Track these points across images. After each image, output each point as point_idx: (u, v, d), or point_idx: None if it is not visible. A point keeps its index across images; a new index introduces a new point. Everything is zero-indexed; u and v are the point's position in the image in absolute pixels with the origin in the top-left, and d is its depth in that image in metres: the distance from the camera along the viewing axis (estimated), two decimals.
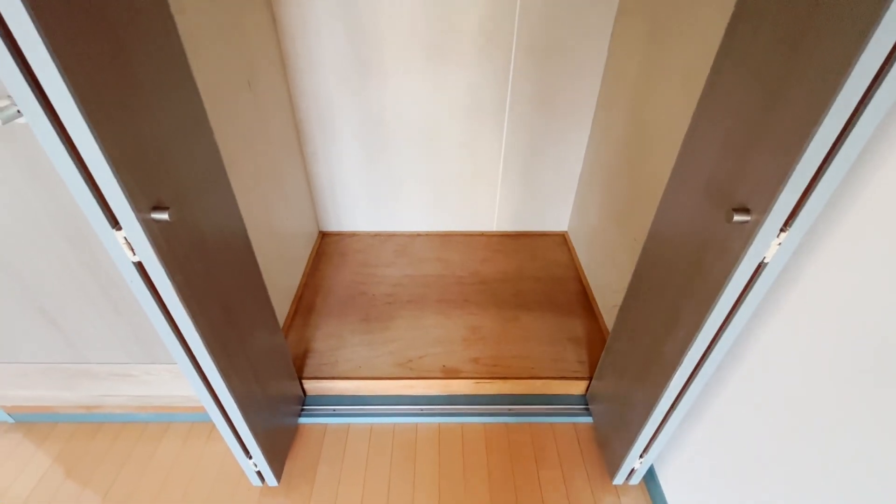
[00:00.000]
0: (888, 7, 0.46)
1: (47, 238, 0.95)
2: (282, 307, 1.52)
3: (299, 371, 1.39)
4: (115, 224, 0.65)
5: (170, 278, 0.71)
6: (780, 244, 0.66)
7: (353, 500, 1.18)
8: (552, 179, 1.83)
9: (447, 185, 1.84)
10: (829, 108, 0.53)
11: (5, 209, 0.90)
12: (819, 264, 0.69)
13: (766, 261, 0.68)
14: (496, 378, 1.38)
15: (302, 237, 1.77)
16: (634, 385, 1.06)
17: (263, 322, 1.07)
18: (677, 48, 1.08)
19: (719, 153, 0.72)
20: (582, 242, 1.81)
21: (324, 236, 1.99)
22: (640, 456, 1.11)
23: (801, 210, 0.62)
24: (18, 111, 0.71)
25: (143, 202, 0.65)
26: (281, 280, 1.52)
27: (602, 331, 1.54)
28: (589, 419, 1.36)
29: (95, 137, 0.56)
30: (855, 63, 0.49)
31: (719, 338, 0.80)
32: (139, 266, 0.70)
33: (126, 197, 0.62)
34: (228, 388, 0.91)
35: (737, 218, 0.65)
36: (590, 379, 1.39)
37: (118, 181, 0.60)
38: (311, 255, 1.85)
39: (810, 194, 0.60)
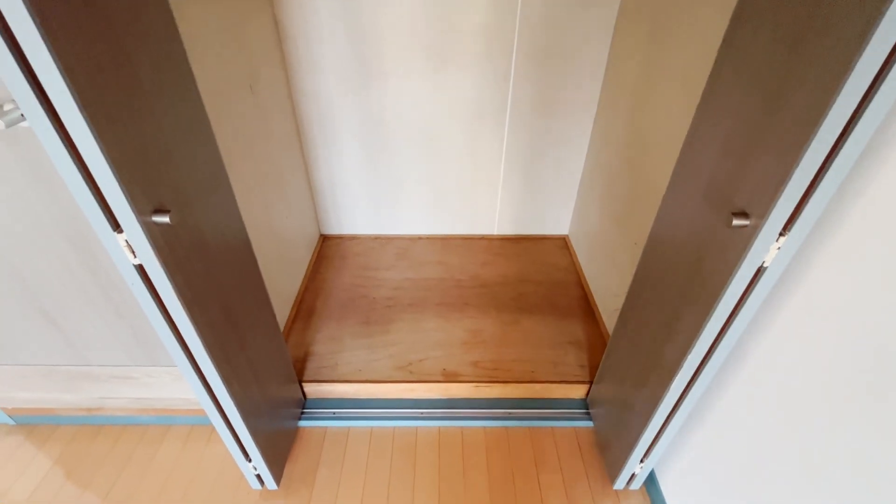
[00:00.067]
0: (886, 11, 0.46)
1: (49, 240, 0.95)
2: (282, 310, 1.52)
3: (299, 374, 1.39)
4: (116, 227, 0.66)
5: (170, 281, 0.71)
6: (779, 248, 0.66)
7: None
8: (553, 183, 1.84)
9: (448, 188, 1.84)
10: (828, 112, 0.53)
11: (8, 211, 0.91)
12: (819, 268, 0.69)
13: (765, 265, 0.68)
14: (496, 382, 1.38)
15: (303, 240, 1.78)
16: (635, 389, 1.05)
17: (264, 325, 1.07)
18: (677, 51, 1.08)
19: (719, 157, 0.72)
20: (583, 246, 1.81)
21: (324, 239, 1.99)
22: (641, 461, 1.11)
23: (799, 214, 0.62)
24: (22, 115, 0.71)
25: (145, 205, 0.65)
26: (282, 283, 1.53)
27: (603, 335, 1.53)
28: (590, 423, 1.35)
29: (97, 141, 0.57)
30: (854, 66, 0.49)
31: (719, 342, 0.80)
32: (140, 269, 0.70)
33: (127, 200, 0.62)
34: (228, 391, 0.91)
35: (736, 222, 0.65)
36: (590, 383, 1.38)
37: (119, 184, 0.61)
38: (311, 258, 1.86)
39: (809, 199, 0.60)
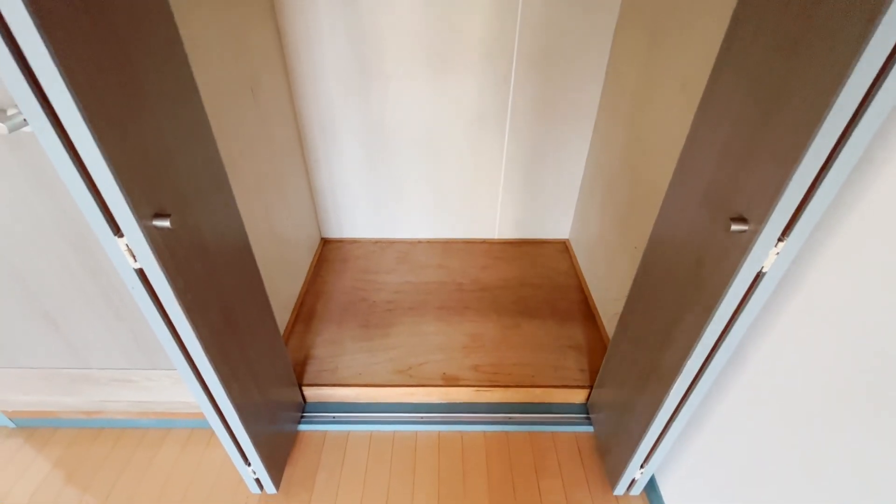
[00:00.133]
0: (882, 18, 0.46)
1: (50, 242, 0.96)
2: (283, 313, 1.52)
3: (299, 378, 1.39)
4: (116, 231, 0.66)
5: (170, 285, 0.72)
6: (777, 254, 0.66)
7: None
8: (553, 187, 1.84)
9: (449, 192, 1.85)
10: (826, 118, 0.53)
11: (11, 215, 0.92)
12: (818, 272, 0.69)
13: (764, 270, 0.68)
14: (496, 386, 1.38)
15: (304, 243, 1.78)
16: (635, 394, 1.05)
17: (264, 329, 1.08)
18: (677, 56, 1.09)
19: (717, 162, 0.72)
20: (583, 250, 1.81)
21: (325, 243, 1.99)
22: (641, 466, 1.10)
23: (798, 220, 0.62)
24: (25, 120, 0.72)
25: (145, 209, 0.65)
26: (282, 286, 1.53)
27: (603, 339, 1.53)
28: (590, 428, 1.35)
29: (98, 146, 0.57)
30: (851, 72, 0.50)
31: (719, 347, 0.80)
32: (140, 273, 0.71)
33: (128, 204, 0.62)
34: (228, 395, 0.91)
35: (734, 227, 0.65)
36: (591, 387, 1.38)
37: (120, 189, 0.61)
38: (312, 261, 1.86)
39: (808, 204, 0.60)
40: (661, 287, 0.92)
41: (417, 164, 1.76)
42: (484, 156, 1.74)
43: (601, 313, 1.59)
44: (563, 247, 1.98)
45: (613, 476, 1.18)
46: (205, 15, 1.01)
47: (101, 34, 0.56)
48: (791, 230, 0.63)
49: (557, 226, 1.98)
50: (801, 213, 0.61)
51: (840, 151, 0.56)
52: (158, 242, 0.68)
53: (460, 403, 1.41)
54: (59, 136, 0.57)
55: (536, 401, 1.40)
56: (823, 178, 0.58)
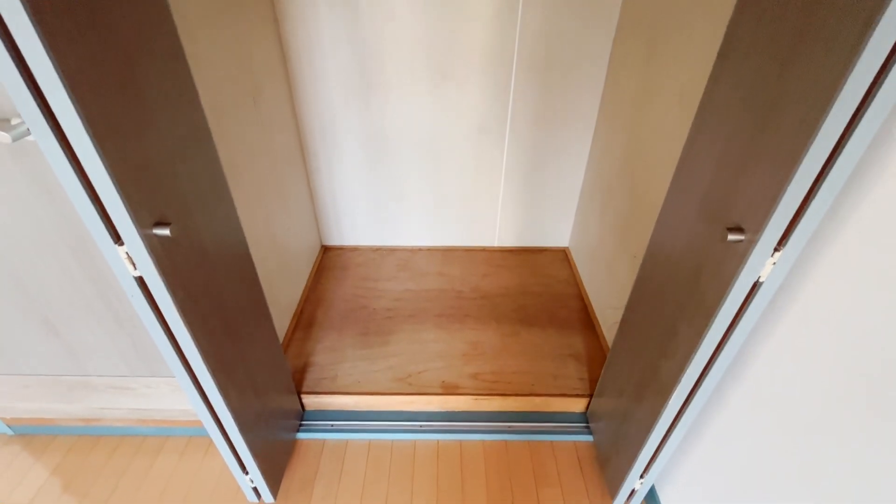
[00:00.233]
0: (875, 29, 0.47)
1: (52, 249, 0.97)
2: (282, 321, 1.53)
3: (298, 385, 1.39)
4: (117, 239, 0.67)
5: (170, 293, 0.72)
6: (774, 264, 0.66)
7: None
8: (553, 195, 1.85)
9: (449, 200, 1.85)
10: (820, 129, 0.53)
11: (14, 222, 0.92)
12: (816, 282, 0.69)
13: (761, 280, 0.68)
14: (496, 394, 1.38)
15: (304, 251, 1.79)
16: (634, 404, 1.05)
17: (263, 336, 1.08)
18: (674, 67, 1.10)
19: (714, 172, 0.72)
20: (583, 258, 1.81)
21: (326, 250, 2.00)
22: (641, 476, 1.10)
23: (794, 230, 0.62)
24: (28, 129, 0.73)
25: (146, 218, 0.66)
26: (282, 294, 1.53)
27: (603, 347, 1.53)
28: (589, 438, 1.34)
29: (100, 156, 0.58)
30: (845, 83, 0.50)
31: (717, 357, 0.80)
32: (140, 281, 0.71)
33: (128, 213, 0.63)
34: (226, 403, 0.91)
35: (731, 237, 0.66)
36: (590, 396, 1.37)
37: (121, 198, 0.62)
38: (312, 268, 1.87)
39: (803, 214, 0.61)
40: (659, 296, 0.92)
41: (418, 172, 1.77)
42: (484, 164, 1.75)
43: (601, 322, 1.59)
44: (563, 255, 1.98)
45: (613, 486, 1.17)
46: (209, 27, 1.02)
47: (105, 47, 0.57)
48: (787, 240, 0.63)
49: (557, 234, 1.98)
50: (798, 223, 0.62)
51: (835, 161, 0.56)
52: (158, 251, 0.69)
53: (459, 412, 1.40)
54: (62, 146, 0.58)
55: (536, 409, 1.40)
56: (819, 188, 0.58)
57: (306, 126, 1.66)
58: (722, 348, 0.78)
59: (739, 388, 0.86)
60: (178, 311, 0.75)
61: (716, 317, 0.73)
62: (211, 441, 1.34)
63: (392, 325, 1.61)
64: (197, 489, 1.23)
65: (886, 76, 0.50)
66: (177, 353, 0.82)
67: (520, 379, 1.42)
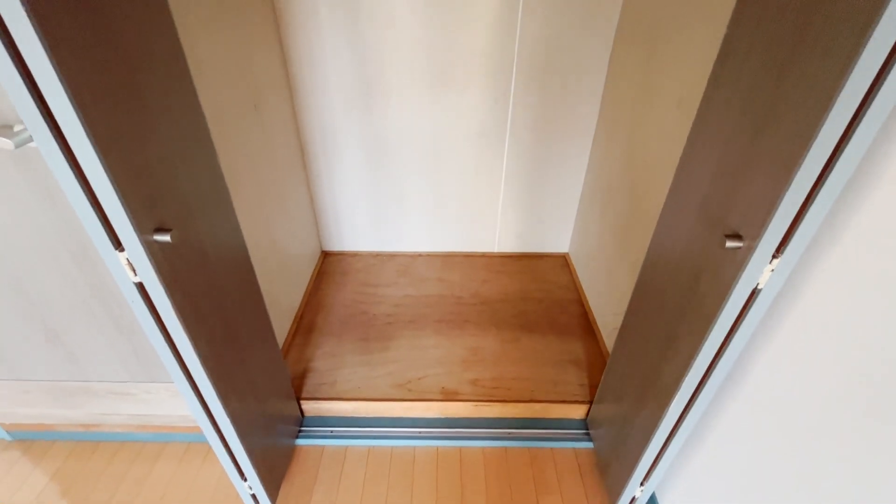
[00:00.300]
0: (870, 37, 0.47)
1: (54, 256, 0.97)
2: (282, 326, 1.53)
3: (298, 391, 1.39)
4: (118, 245, 0.67)
5: (170, 299, 0.72)
6: (773, 270, 0.66)
7: None
8: (553, 201, 1.85)
9: (449, 206, 1.86)
10: (817, 135, 0.54)
11: (16, 228, 0.93)
12: (815, 287, 0.69)
13: (759, 287, 0.68)
14: (495, 401, 1.37)
15: (304, 256, 1.79)
16: (634, 410, 1.04)
17: (263, 342, 1.08)
18: (672, 74, 1.10)
19: (712, 179, 0.73)
20: (583, 264, 1.82)
21: (326, 255, 2.00)
22: (641, 483, 1.09)
23: (792, 237, 0.62)
24: (31, 136, 0.73)
25: (146, 224, 0.66)
26: (282, 299, 1.53)
27: (603, 353, 1.52)
28: (590, 444, 1.34)
29: (101, 163, 0.58)
30: (841, 89, 0.50)
31: (716, 364, 0.79)
32: (140, 286, 0.71)
33: (129, 219, 0.63)
34: (225, 409, 0.91)
35: (729, 244, 0.66)
36: (590, 403, 1.37)
37: (122, 204, 0.62)
38: (313, 274, 1.87)
39: (801, 221, 0.61)
40: (658, 303, 0.92)
41: (418, 178, 1.78)
42: (484, 170, 1.76)
43: (601, 327, 1.59)
44: (563, 260, 1.98)
45: (613, 493, 1.16)
46: (211, 34, 1.03)
47: (107, 54, 0.58)
48: (786, 247, 0.64)
49: (557, 240, 1.98)
50: (795, 230, 0.62)
51: (833, 168, 0.56)
52: (159, 257, 0.69)
53: (459, 418, 1.40)
54: (63, 152, 0.58)
55: (536, 416, 1.39)
56: (816, 195, 0.58)
57: (307, 131, 1.67)
58: (722, 354, 0.78)
59: (739, 394, 0.86)
60: (178, 316, 0.75)
61: (715, 323, 0.73)
62: (210, 447, 1.34)
63: (392, 330, 1.61)
64: (195, 496, 1.22)
65: (884, 81, 0.50)
66: (176, 359, 0.82)
67: (520, 385, 1.42)
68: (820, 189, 0.58)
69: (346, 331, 1.61)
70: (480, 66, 1.51)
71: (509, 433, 1.35)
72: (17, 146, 0.75)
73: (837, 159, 0.55)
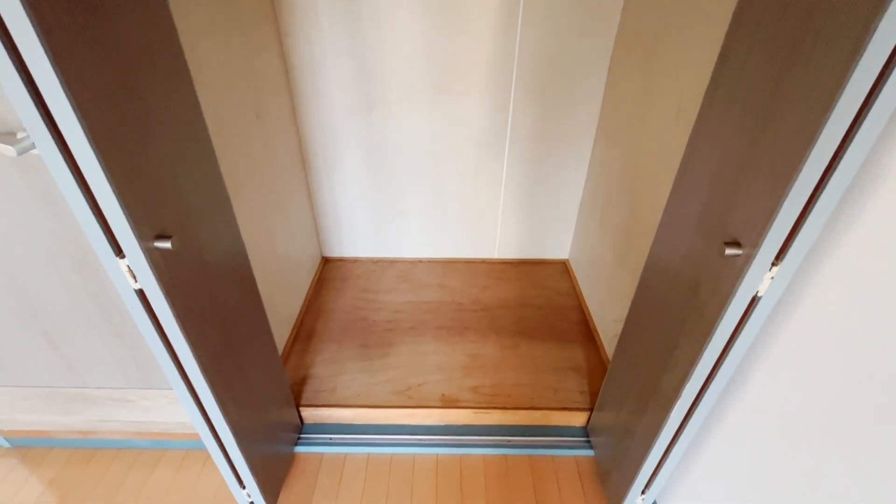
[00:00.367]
0: (866, 47, 0.48)
1: (55, 263, 0.97)
2: (282, 333, 1.52)
3: (297, 398, 1.38)
4: (118, 252, 0.67)
5: (170, 306, 0.72)
6: (772, 278, 0.66)
7: None
8: (553, 207, 1.85)
9: (449, 212, 1.86)
10: (815, 144, 0.54)
11: (17, 234, 0.93)
12: (815, 295, 0.69)
13: (759, 295, 0.68)
14: (496, 408, 1.37)
15: (305, 263, 1.79)
16: (635, 418, 1.04)
17: (262, 349, 1.07)
18: (671, 83, 1.11)
19: (711, 186, 0.73)
20: (583, 271, 1.82)
21: (326, 262, 2.00)
22: (642, 492, 1.08)
23: (791, 245, 0.63)
24: (34, 143, 0.74)
25: (147, 231, 0.67)
26: (282, 305, 1.53)
27: (603, 360, 1.52)
28: (590, 452, 1.33)
29: (103, 170, 0.59)
30: (839, 96, 0.50)
31: (717, 371, 0.79)
32: (140, 293, 0.71)
33: (130, 226, 0.63)
34: (224, 416, 0.91)
35: (728, 252, 0.66)
36: (591, 410, 1.36)
37: (123, 211, 0.62)
38: (313, 280, 1.87)
39: (800, 229, 0.61)
40: (658, 310, 0.92)
41: (418, 185, 1.78)
42: (484, 177, 1.76)
43: (601, 334, 1.59)
44: (563, 267, 1.98)
45: (614, 502, 1.16)
46: (213, 42, 1.04)
47: (110, 61, 0.58)
48: (785, 254, 0.64)
49: (557, 246, 1.98)
50: (794, 238, 0.62)
51: (830, 176, 0.57)
52: (159, 263, 0.69)
53: (459, 426, 1.39)
54: (65, 159, 0.58)
55: (536, 423, 1.39)
56: (815, 202, 0.59)
57: (308, 139, 1.68)
58: (722, 362, 0.78)
59: (740, 402, 0.86)
60: (178, 323, 0.75)
61: (715, 331, 0.73)
62: (208, 455, 1.33)
63: (392, 337, 1.61)
64: (193, 503, 1.21)
65: (881, 91, 0.50)
66: (175, 366, 0.82)
67: (520, 392, 1.41)
68: (819, 197, 0.58)
69: (346, 337, 1.60)
70: (480, 74, 1.52)
71: (509, 441, 1.35)
72: (20, 153, 0.75)
73: (836, 167, 0.56)
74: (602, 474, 1.25)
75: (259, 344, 1.06)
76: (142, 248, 0.66)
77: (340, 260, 2.01)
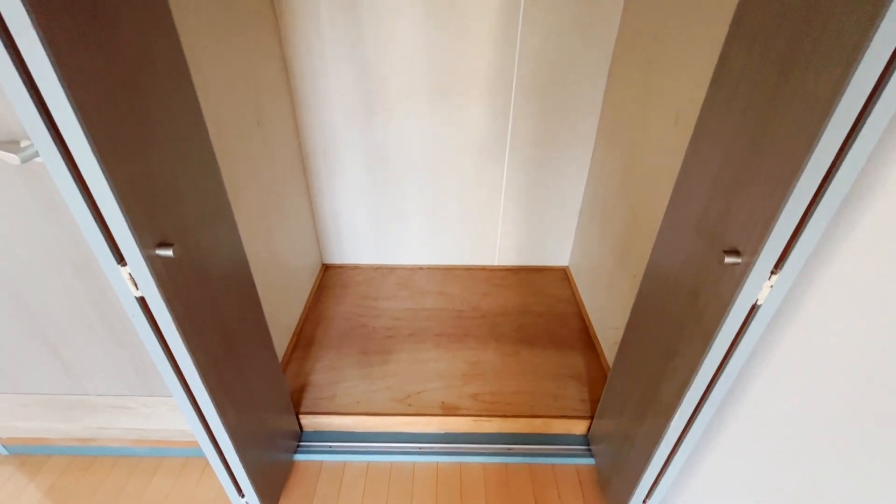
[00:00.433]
0: (864, 53, 0.48)
1: (57, 270, 0.97)
2: (282, 339, 1.52)
3: (297, 405, 1.38)
4: (120, 260, 0.67)
5: (171, 313, 0.72)
6: (772, 287, 0.66)
7: None
8: (553, 214, 1.86)
9: (449, 219, 1.87)
10: (813, 152, 0.54)
11: (20, 242, 0.93)
12: (815, 302, 0.69)
13: (759, 303, 0.68)
14: (496, 416, 1.36)
15: (305, 269, 1.79)
16: (635, 426, 1.04)
17: (262, 356, 1.07)
18: (670, 91, 1.12)
19: (709, 195, 0.73)
20: (583, 277, 1.82)
21: (326, 268, 2.01)
22: (644, 502, 1.08)
23: (790, 253, 0.63)
24: (37, 151, 0.74)
25: (149, 239, 0.67)
26: (282, 313, 1.53)
27: (604, 368, 1.52)
28: (591, 461, 1.32)
29: (106, 178, 0.59)
30: (836, 106, 0.51)
31: (717, 379, 0.79)
32: (141, 301, 0.72)
33: (132, 234, 0.64)
34: (223, 423, 0.91)
35: (728, 260, 0.66)
36: (591, 418, 1.36)
37: (125, 219, 0.63)
38: (313, 287, 1.87)
39: (799, 237, 0.61)
40: (658, 317, 0.92)
41: (418, 192, 1.79)
42: (484, 184, 1.77)
43: (601, 341, 1.58)
44: (563, 274, 1.98)
45: None
46: (215, 50, 1.05)
47: (114, 71, 0.59)
48: (784, 262, 0.64)
49: (557, 253, 1.99)
50: (794, 246, 0.62)
51: (829, 184, 0.57)
52: (160, 271, 0.70)
53: (459, 434, 1.39)
54: (69, 168, 0.59)
55: (536, 431, 1.38)
56: (814, 210, 0.59)
57: (308, 145, 1.69)
58: (723, 370, 0.78)
59: (741, 409, 0.85)
60: (179, 331, 0.75)
61: (715, 339, 0.73)
62: (207, 463, 1.32)
63: (392, 344, 1.60)
64: None
65: (880, 97, 0.50)
66: (175, 373, 0.82)
67: (520, 399, 1.41)
68: (817, 205, 0.58)
69: (346, 344, 1.60)
70: (481, 81, 1.53)
71: (509, 449, 1.34)
72: (23, 161, 0.76)
73: (834, 173, 0.56)
74: (603, 483, 1.24)
75: (259, 351, 1.06)
76: (143, 256, 0.66)
77: (340, 267, 2.02)
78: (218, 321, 0.86)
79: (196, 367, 0.80)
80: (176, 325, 0.74)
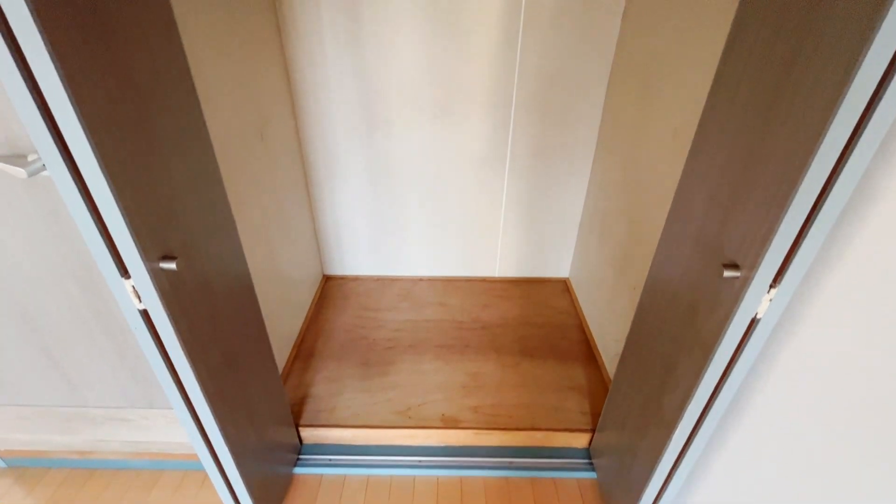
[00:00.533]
0: (858, 70, 0.49)
1: (60, 283, 0.98)
2: (282, 351, 1.52)
3: (297, 418, 1.37)
4: (124, 273, 0.68)
5: (173, 326, 0.73)
6: (771, 300, 0.66)
7: None
8: (553, 226, 1.87)
9: (450, 231, 1.88)
10: (810, 166, 0.55)
11: (24, 254, 0.94)
12: (816, 315, 0.69)
13: (758, 317, 0.68)
14: (496, 429, 1.35)
15: (306, 281, 1.80)
16: (637, 440, 1.03)
17: (263, 369, 1.07)
18: (668, 105, 1.13)
19: (708, 209, 0.74)
20: (583, 289, 1.82)
21: (327, 279, 2.01)
22: None
23: (789, 266, 0.63)
24: (44, 165, 0.75)
25: (153, 252, 0.68)
26: (283, 324, 1.53)
27: (605, 380, 1.51)
28: (593, 475, 1.31)
29: (113, 193, 0.60)
30: (832, 120, 0.51)
31: (718, 393, 0.79)
32: (144, 314, 0.72)
33: (136, 247, 0.64)
34: (223, 436, 0.90)
35: (727, 273, 0.67)
36: (593, 431, 1.35)
37: (130, 233, 0.63)
38: (314, 298, 1.87)
39: (797, 251, 0.62)
40: (658, 331, 0.92)
41: (419, 204, 1.80)
42: (485, 196, 1.78)
43: (602, 353, 1.58)
44: (564, 286, 1.98)
45: None
46: (219, 64, 1.07)
47: (121, 86, 0.60)
48: (783, 276, 0.64)
49: (557, 265, 1.99)
50: (792, 260, 0.63)
51: (826, 198, 0.57)
52: (164, 284, 0.70)
53: (459, 447, 1.38)
54: (75, 182, 0.60)
55: (537, 444, 1.37)
56: (812, 224, 0.59)
57: (311, 158, 1.70)
58: (723, 384, 0.78)
59: (742, 426, 0.85)
60: (180, 343, 0.75)
61: (715, 352, 0.73)
62: (206, 476, 1.31)
63: (392, 355, 1.60)
64: None
65: (875, 110, 0.51)
66: (176, 385, 0.82)
67: (521, 412, 1.40)
68: (815, 217, 0.59)
69: (346, 355, 1.60)
70: (481, 95, 1.55)
71: (511, 462, 1.33)
72: (30, 175, 0.76)
73: (831, 187, 0.56)
74: (604, 497, 1.23)
75: (259, 363, 1.06)
76: (147, 269, 0.67)
77: (342, 278, 2.02)
78: (219, 334, 0.87)
79: (197, 379, 0.80)
80: (178, 337, 0.74)
